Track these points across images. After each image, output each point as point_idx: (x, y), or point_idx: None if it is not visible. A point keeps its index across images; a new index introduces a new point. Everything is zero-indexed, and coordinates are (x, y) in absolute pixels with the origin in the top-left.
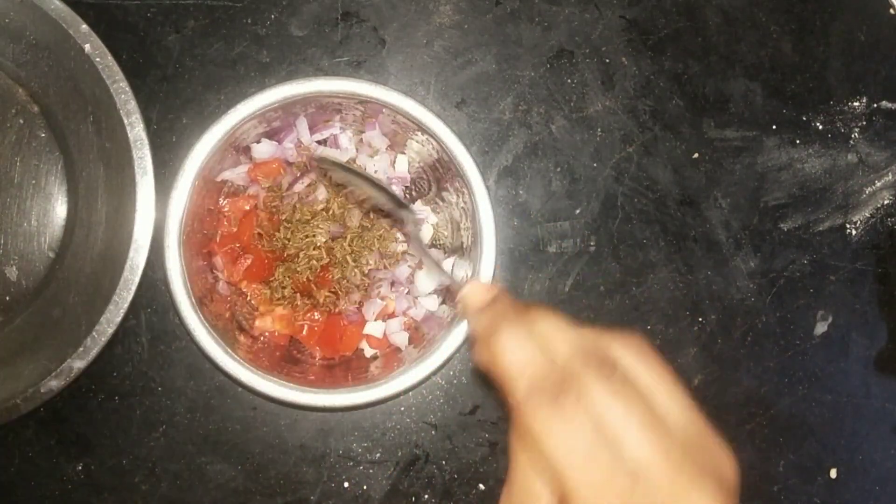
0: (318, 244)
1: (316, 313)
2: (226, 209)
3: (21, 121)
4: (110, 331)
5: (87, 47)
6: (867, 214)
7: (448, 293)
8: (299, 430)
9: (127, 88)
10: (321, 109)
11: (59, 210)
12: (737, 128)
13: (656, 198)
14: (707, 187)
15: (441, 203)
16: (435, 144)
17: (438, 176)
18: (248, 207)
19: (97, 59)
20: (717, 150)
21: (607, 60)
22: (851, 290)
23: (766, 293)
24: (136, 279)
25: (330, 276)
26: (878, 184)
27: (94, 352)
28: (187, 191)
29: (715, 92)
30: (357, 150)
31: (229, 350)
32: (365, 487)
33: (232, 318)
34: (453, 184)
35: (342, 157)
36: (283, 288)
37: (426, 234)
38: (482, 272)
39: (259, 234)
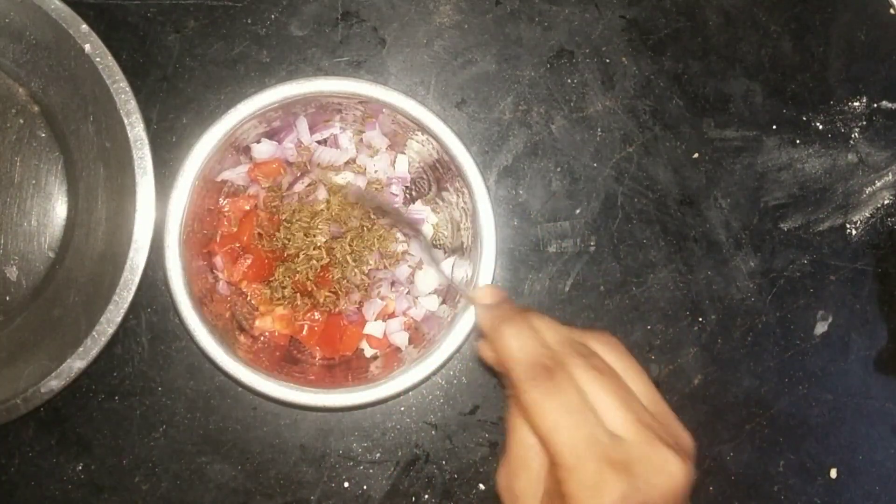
0: (318, 244)
1: (316, 313)
2: (226, 209)
3: (21, 121)
4: (110, 331)
5: (87, 47)
6: (867, 214)
7: (448, 294)
8: (299, 430)
9: (127, 88)
10: (321, 109)
11: (59, 210)
12: (737, 128)
13: (656, 198)
14: (707, 187)
15: (441, 203)
16: (435, 144)
17: (438, 176)
18: (248, 207)
19: (97, 59)
20: (717, 150)
21: (607, 60)
22: (851, 290)
23: (766, 293)
24: (136, 279)
25: (330, 276)
26: (878, 184)
27: (94, 352)
28: (187, 191)
29: (715, 92)
30: (357, 150)
31: (229, 350)
32: (365, 487)
33: (232, 318)
34: (453, 184)
35: (342, 157)
36: (283, 288)
37: (426, 233)
38: (482, 272)
39: (259, 234)
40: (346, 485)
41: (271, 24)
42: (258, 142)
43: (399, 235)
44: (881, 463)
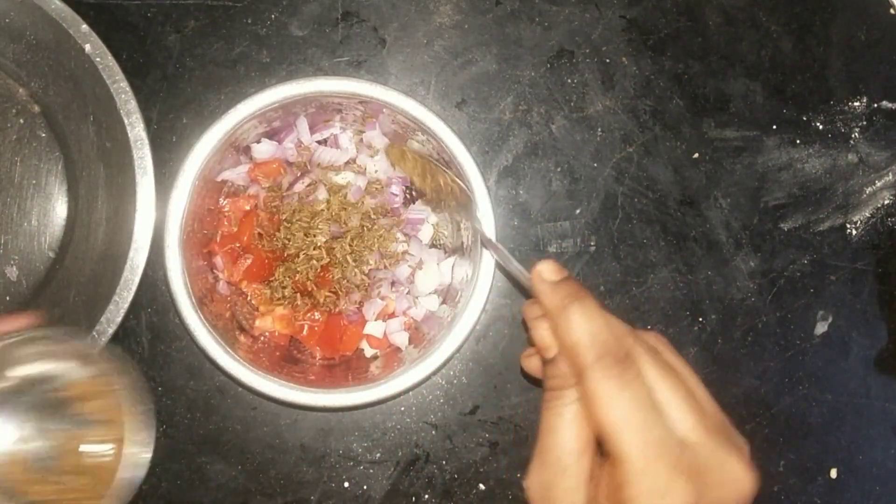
0: (319, 244)
1: (316, 313)
2: (226, 209)
3: (21, 121)
4: (110, 331)
5: (87, 47)
6: (867, 214)
7: (448, 294)
8: (299, 430)
9: (127, 88)
10: (321, 109)
11: (59, 210)
12: (737, 128)
13: (656, 198)
14: (707, 187)
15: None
16: (435, 144)
17: None
18: (248, 207)
19: (97, 59)
20: (717, 150)
21: (607, 60)
22: (851, 290)
23: (766, 293)
24: (136, 279)
25: (330, 276)
26: (879, 184)
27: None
28: (187, 191)
29: (715, 92)
30: (357, 150)
31: (229, 350)
32: (365, 487)
33: (232, 318)
34: None
35: (342, 157)
36: (284, 288)
37: (426, 233)
38: (482, 272)
39: (259, 234)
40: (347, 485)
41: (271, 24)
42: (258, 142)
43: (399, 235)
44: (881, 463)
